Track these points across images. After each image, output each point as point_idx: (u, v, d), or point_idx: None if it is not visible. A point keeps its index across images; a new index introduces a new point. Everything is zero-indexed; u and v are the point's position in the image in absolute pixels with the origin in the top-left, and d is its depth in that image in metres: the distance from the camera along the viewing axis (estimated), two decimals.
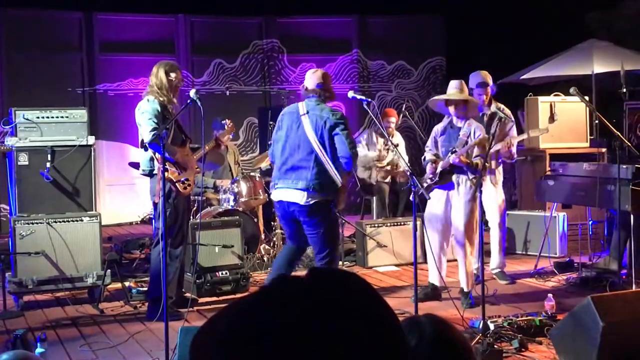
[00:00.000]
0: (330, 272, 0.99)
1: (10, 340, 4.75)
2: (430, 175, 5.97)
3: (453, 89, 6.17)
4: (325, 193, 5.29)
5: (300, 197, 5.31)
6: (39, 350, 4.59)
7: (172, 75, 5.94)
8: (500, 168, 7.10)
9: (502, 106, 6.96)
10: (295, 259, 5.80)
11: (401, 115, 9.94)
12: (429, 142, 6.31)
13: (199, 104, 5.23)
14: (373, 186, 9.21)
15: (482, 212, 6.11)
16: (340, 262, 7.97)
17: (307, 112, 5.38)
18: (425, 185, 5.96)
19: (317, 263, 5.53)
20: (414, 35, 13.13)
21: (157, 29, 12.18)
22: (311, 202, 5.30)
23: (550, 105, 8.52)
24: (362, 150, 9.29)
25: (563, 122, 8.34)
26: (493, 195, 6.91)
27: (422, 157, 6.33)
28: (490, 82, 6.84)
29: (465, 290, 6.11)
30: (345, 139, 5.26)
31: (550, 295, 5.69)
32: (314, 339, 0.89)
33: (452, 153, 5.89)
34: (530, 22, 12.62)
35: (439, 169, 5.97)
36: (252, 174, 8.20)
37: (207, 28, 12.53)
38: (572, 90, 6.20)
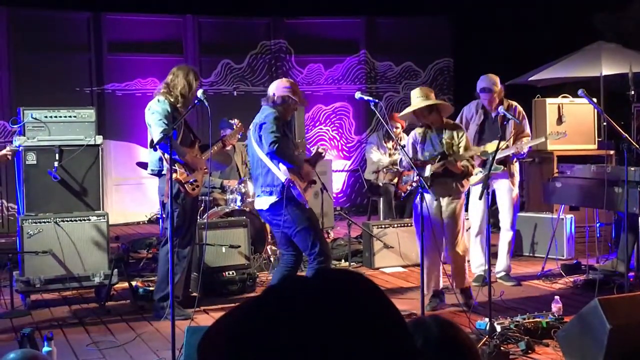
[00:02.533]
0: (337, 272, 1.00)
1: (17, 339, 4.77)
2: (416, 178, 5.85)
3: (416, 98, 5.97)
4: (275, 193, 5.34)
5: (261, 204, 5.49)
6: (46, 349, 4.60)
7: (197, 83, 5.96)
8: (517, 165, 7.04)
9: (514, 104, 6.91)
10: (293, 268, 5.64)
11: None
12: (407, 148, 6.09)
13: (206, 104, 5.23)
14: (380, 187, 9.21)
15: (490, 214, 6.09)
16: (347, 263, 7.98)
17: (253, 123, 5.53)
18: (409, 188, 5.98)
19: (309, 260, 5.51)
20: (421, 36, 13.12)
21: (165, 29, 12.21)
22: (269, 205, 5.41)
23: (558, 107, 8.50)
24: (376, 155, 9.28)
25: (571, 124, 8.32)
26: (508, 195, 6.88)
27: (399, 160, 6.26)
28: (494, 86, 6.65)
29: (461, 287, 6.11)
30: (265, 133, 5.29)
31: (557, 297, 5.68)
32: (321, 339, 0.90)
33: (441, 157, 5.84)
34: (539, 24, 12.59)
35: (427, 173, 5.83)
36: None
37: (215, 28, 12.56)
38: (580, 92, 6.17)
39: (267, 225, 7.84)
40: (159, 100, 5.85)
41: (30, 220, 6.29)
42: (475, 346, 1.60)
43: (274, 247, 7.91)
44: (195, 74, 6.01)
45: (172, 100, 5.85)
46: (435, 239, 5.82)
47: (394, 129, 9.02)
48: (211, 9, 12.27)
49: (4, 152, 6.08)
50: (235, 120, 7.29)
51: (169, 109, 5.79)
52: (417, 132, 6.11)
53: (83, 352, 5.17)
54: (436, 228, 5.84)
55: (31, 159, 6.50)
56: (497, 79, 6.75)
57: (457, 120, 6.64)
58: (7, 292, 6.30)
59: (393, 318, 0.97)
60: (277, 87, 5.48)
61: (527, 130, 7.02)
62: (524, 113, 7.04)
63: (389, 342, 0.94)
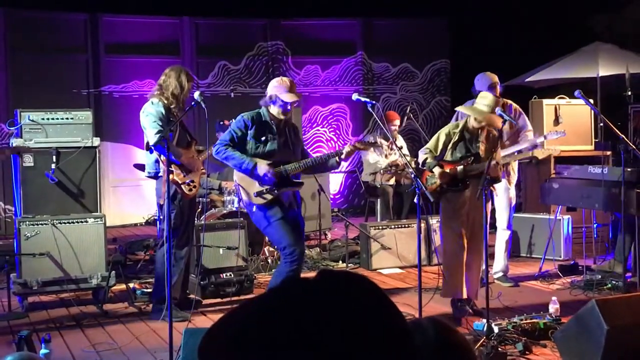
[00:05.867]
0: (339, 274, 1.00)
1: (14, 341, 4.76)
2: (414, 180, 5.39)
3: (486, 106, 5.73)
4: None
5: None
6: (43, 351, 4.60)
7: (190, 84, 5.95)
8: (516, 164, 6.96)
9: (509, 102, 6.90)
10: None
11: (405, 118, 9.94)
12: (434, 145, 5.91)
13: (203, 105, 5.24)
14: (377, 188, 9.21)
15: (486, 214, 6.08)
16: (344, 264, 7.98)
17: None
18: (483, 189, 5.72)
19: (281, 256, 5.49)
20: (418, 37, 13.13)
21: (162, 30, 12.21)
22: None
23: (555, 108, 8.52)
24: (373, 156, 9.26)
25: (568, 125, 8.33)
26: (505, 194, 6.87)
27: (424, 160, 5.86)
28: (498, 84, 6.69)
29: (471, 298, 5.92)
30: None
31: (554, 298, 5.69)
32: (321, 339, 0.90)
33: (474, 159, 5.72)
34: (535, 25, 12.61)
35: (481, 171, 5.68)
36: None
37: (212, 30, 12.56)
38: (577, 92, 6.18)
39: None
40: (152, 102, 5.86)
41: (27, 222, 6.28)
42: (472, 348, 1.60)
43: (271, 249, 7.92)
44: (188, 75, 6.00)
45: (165, 101, 5.85)
46: (461, 241, 5.73)
47: (392, 127, 9.03)
48: (208, 10, 12.27)
49: None
50: (232, 121, 7.28)
51: (163, 111, 5.79)
52: (454, 130, 5.86)
53: (80, 354, 5.16)
54: (459, 224, 5.75)
55: (28, 161, 6.49)
56: (495, 78, 6.71)
57: (452, 120, 6.62)
58: (4, 294, 6.30)
59: (393, 319, 0.97)
60: (270, 87, 5.52)
61: (529, 126, 6.98)
62: (520, 109, 7.01)
63: (388, 343, 0.94)
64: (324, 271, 1.00)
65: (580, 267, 7.29)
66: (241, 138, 5.36)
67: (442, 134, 5.93)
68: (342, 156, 5.48)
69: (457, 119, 6.80)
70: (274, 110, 5.44)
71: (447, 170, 5.76)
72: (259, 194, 5.32)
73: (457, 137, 5.83)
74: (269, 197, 5.33)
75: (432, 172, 5.79)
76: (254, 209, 5.39)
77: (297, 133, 5.80)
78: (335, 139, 13.03)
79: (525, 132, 6.86)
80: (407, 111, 10.24)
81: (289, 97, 5.41)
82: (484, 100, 5.79)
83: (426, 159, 5.86)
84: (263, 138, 5.40)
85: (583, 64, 10.38)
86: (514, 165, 6.95)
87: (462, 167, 5.73)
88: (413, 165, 5.90)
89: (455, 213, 5.77)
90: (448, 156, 5.83)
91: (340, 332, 0.91)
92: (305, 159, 5.59)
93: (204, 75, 12.29)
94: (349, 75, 13.06)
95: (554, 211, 7.91)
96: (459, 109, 6.15)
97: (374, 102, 5.50)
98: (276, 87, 5.45)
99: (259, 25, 12.78)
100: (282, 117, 5.47)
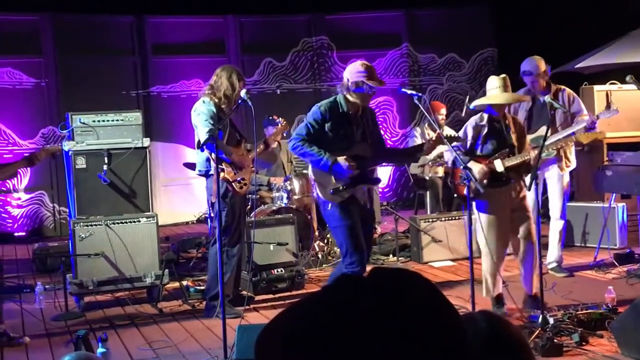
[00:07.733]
0: (390, 271, 1.00)
1: (72, 341, 4.86)
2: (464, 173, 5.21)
3: (495, 89, 5.57)
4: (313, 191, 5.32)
5: None
6: (100, 350, 4.68)
7: (241, 84, 5.97)
8: (573, 152, 6.85)
9: (562, 87, 6.79)
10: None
11: (465, 108, 9.81)
12: (465, 133, 5.70)
13: (250, 103, 5.27)
14: (426, 181, 9.15)
15: (540, 204, 5.99)
16: (395, 258, 7.95)
17: None
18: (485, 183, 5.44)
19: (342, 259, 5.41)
20: (464, 27, 12.98)
21: (207, 30, 12.30)
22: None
23: (607, 94, 8.36)
24: None
25: (620, 111, 8.14)
26: (558, 183, 6.76)
27: (453, 159, 5.51)
28: (536, 69, 6.52)
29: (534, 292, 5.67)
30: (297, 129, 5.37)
31: (610, 287, 5.59)
32: (375, 337, 0.91)
33: (509, 151, 5.57)
34: (583, 9, 12.37)
35: (500, 168, 5.45)
36: (304, 171, 8.22)
37: (256, 27, 12.60)
38: (628, 78, 6.05)
39: (314, 222, 7.89)
40: (204, 102, 5.91)
41: (81, 224, 6.39)
42: (526, 342, 1.58)
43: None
44: (239, 75, 6.04)
45: (216, 100, 5.90)
46: (505, 236, 5.57)
47: (438, 116, 8.95)
48: (251, 8, 12.32)
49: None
50: (280, 119, 7.33)
51: (214, 110, 5.85)
52: (480, 122, 5.63)
53: (137, 352, 5.25)
54: (504, 223, 5.54)
55: (81, 163, 6.61)
56: (541, 61, 6.59)
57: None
58: (61, 295, 6.43)
59: (447, 316, 0.97)
60: (350, 72, 5.23)
61: (584, 110, 6.84)
62: (574, 94, 6.89)
63: (443, 340, 0.94)
64: (375, 269, 1.00)
65: (636, 255, 7.15)
66: (318, 131, 5.18)
67: (469, 127, 5.68)
68: (425, 150, 5.44)
69: (508, 108, 6.63)
70: (354, 97, 5.21)
71: (484, 166, 5.51)
72: (336, 192, 5.17)
73: (486, 130, 5.59)
74: (345, 194, 5.18)
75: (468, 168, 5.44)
76: (329, 206, 5.22)
77: (374, 118, 5.57)
78: (382, 132, 12.95)
79: (581, 116, 6.73)
80: (467, 101, 10.08)
81: (374, 83, 5.21)
82: (491, 83, 5.63)
83: (455, 158, 5.55)
84: (342, 131, 5.22)
85: (633, 48, 10.15)
86: (570, 152, 6.80)
87: (499, 160, 5.49)
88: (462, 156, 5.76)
89: (499, 212, 5.51)
90: (478, 151, 5.61)
91: (392, 329, 0.91)
92: (384, 153, 5.54)
93: (249, 72, 12.33)
94: (395, 68, 12.99)
95: (607, 199, 7.76)
96: (475, 102, 5.84)
97: (419, 94, 5.45)
98: (359, 72, 5.18)
99: (303, 20, 12.79)
100: (362, 104, 5.28)
